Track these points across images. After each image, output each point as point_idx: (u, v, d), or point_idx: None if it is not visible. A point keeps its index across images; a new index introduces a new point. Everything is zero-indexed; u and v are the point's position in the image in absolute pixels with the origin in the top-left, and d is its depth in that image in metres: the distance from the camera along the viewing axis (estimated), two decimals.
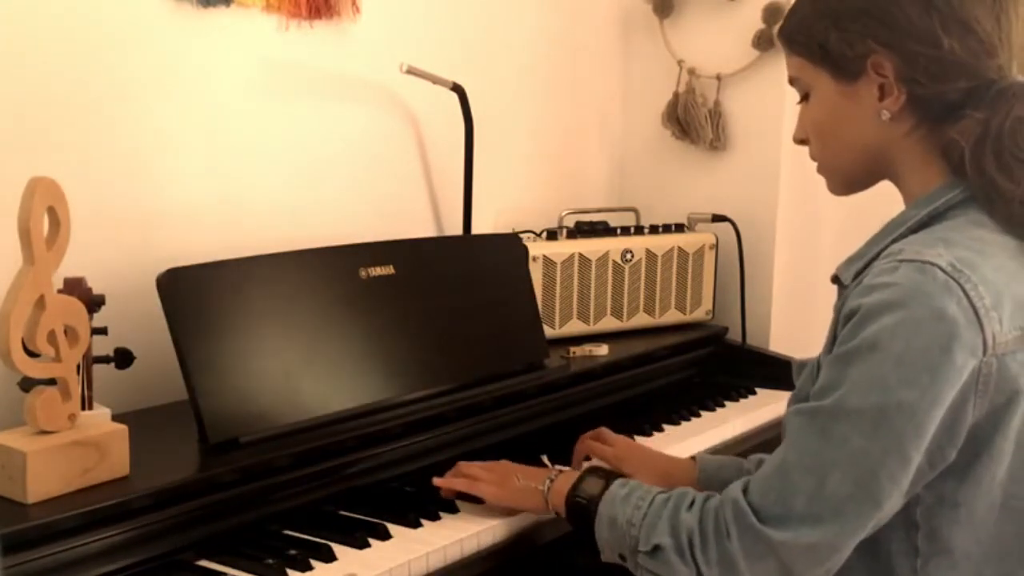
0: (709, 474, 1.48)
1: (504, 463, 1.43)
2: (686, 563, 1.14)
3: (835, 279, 1.22)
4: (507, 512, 1.38)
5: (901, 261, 1.07)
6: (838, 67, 1.17)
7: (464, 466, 1.43)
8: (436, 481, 1.41)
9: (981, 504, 1.10)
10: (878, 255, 1.14)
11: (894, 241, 1.15)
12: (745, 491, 1.13)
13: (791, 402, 1.25)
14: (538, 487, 1.34)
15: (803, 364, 1.25)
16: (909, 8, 1.12)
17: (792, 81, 1.25)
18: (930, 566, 1.12)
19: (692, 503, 1.17)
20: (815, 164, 1.27)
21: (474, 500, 1.40)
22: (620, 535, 1.20)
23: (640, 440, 1.72)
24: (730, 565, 1.11)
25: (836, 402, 1.07)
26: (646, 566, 1.18)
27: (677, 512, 1.17)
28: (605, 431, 1.61)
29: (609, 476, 1.28)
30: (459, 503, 1.40)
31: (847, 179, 1.24)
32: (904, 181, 1.20)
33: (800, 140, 1.27)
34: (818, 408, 1.09)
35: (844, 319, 1.11)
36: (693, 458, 1.51)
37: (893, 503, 1.07)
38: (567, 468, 1.37)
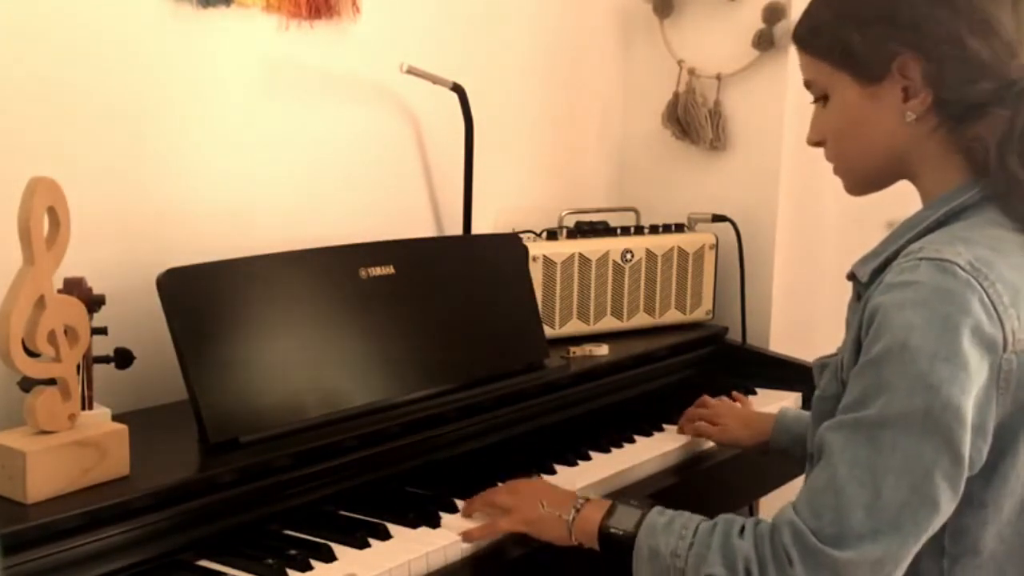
0: (785, 424, 1.53)
1: (531, 484, 1.38)
2: None
3: (851, 276, 1.22)
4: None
5: (921, 259, 1.08)
6: (861, 69, 1.18)
7: (490, 494, 1.37)
8: (463, 536, 1.31)
9: (1007, 503, 1.11)
10: (896, 254, 1.14)
11: (911, 240, 1.15)
12: (797, 513, 1.10)
13: (815, 404, 1.24)
14: (562, 516, 1.28)
15: (824, 364, 1.24)
16: (935, 11, 1.13)
17: (808, 84, 1.25)
18: (957, 567, 1.12)
19: (743, 529, 1.14)
20: (831, 165, 1.27)
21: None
22: (663, 567, 1.16)
23: (640, 440, 1.73)
24: None
25: (880, 410, 1.06)
26: None
27: (728, 539, 1.13)
28: (706, 398, 1.77)
29: (644, 505, 1.24)
30: (459, 502, 1.40)
31: (866, 180, 1.25)
32: (922, 181, 1.21)
33: (815, 142, 1.27)
34: (861, 419, 1.08)
35: (867, 320, 1.10)
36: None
37: (948, 505, 1.06)
38: (595, 497, 1.32)
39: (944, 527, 1.10)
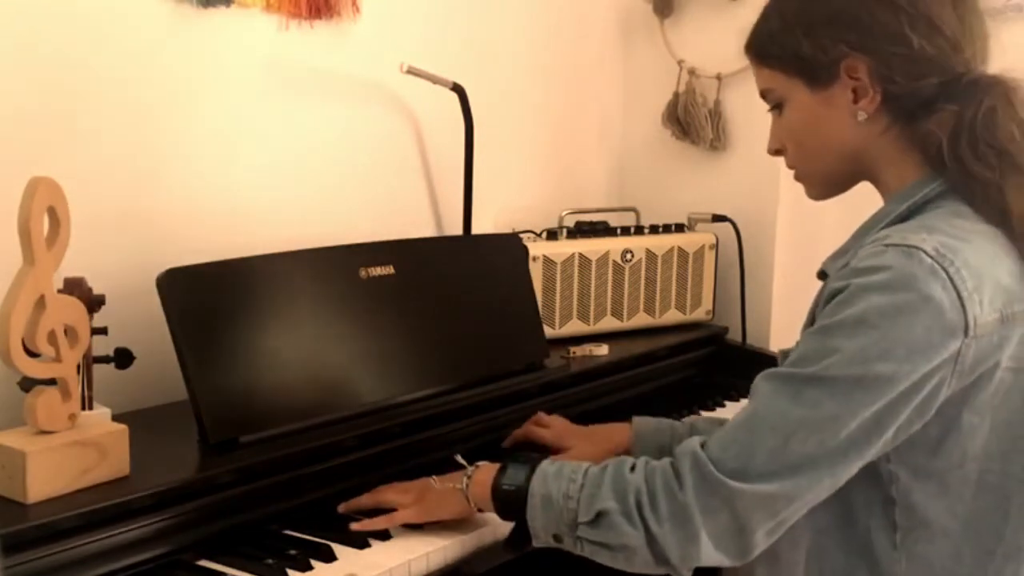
0: (643, 436, 1.52)
1: (422, 479, 1.38)
2: (634, 524, 1.13)
3: (822, 274, 1.24)
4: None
5: (888, 246, 1.10)
6: (812, 74, 1.20)
7: (380, 494, 1.36)
8: (354, 526, 1.31)
9: (953, 477, 1.12)
10: (863, 247, 1.16)
11: (878, 233, 1.17)
12: (703, 446, 1.14)
13: None
14: (456, 487, 1.31)
15: (786, 352, 1.26)
16: (876, 11, 1.16)
17: (764, 93, 1.28)
18: (909, 540, 1.14)
19: (634, 466, 1.18)
20: (792, 172, 1.30)
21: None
22: (556, 512, 1.19)
23: None
24: (683, 518, 1.11)
25: (815, 370, 1.09)
26: (588, 537, 1.17)
27: (620, 475, 1.17)
28: (542, 415, 1.65)
29: (533, 459, 1.26)
30: None
31: (826, 182, 1.28)
32: (881, 179, 1.23)
33: (775, 151, 1.30)
34: (795, 374, 1.11)
35: (827, 298, 1.13)
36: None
37: (852, 468, 1.10)
38: (485, 463, 1.33)
39: (894, 501, 1.14)
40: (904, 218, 1.17)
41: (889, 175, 1.21)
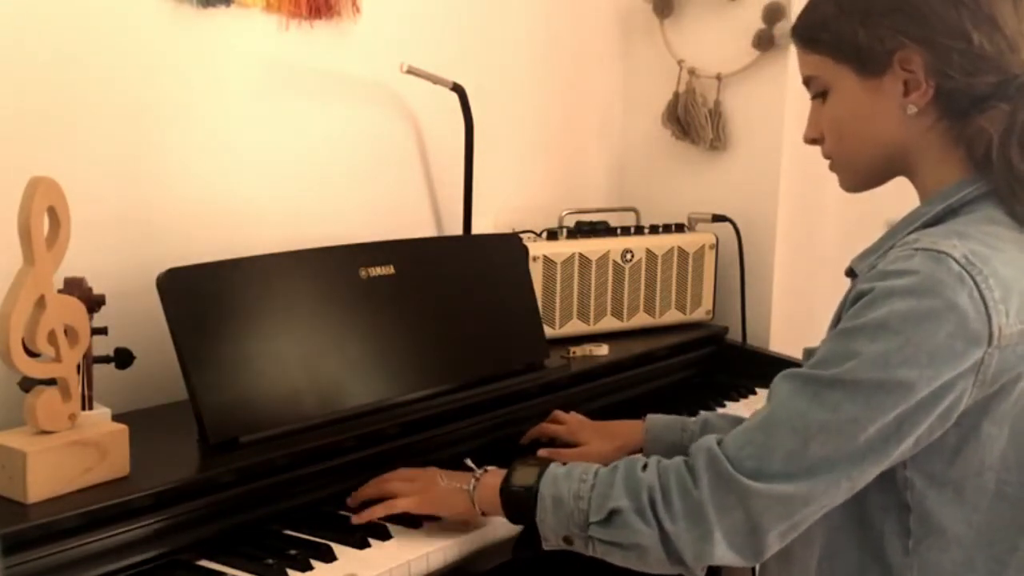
0: (655, 434, 1.52)
1: (430, 469, 1.39)
2: (647, 522, 1.13)
3: (850, 272, 1.23)
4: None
5: (917, 250, 1.09)
6: (864, 63, 1.18)
7: (384, 481, 1.37)
8: (354, 519, 1.32)
9: (969, 485, 1.12)
10: (893, 247, 1.15)
11: (909, 235, 1.16)
12: (719, 443, 1.14)
13: None
14: (463, 487, 1.30)
15: (811, 351, 1.25)
16: (938, 5, 1.14)
17: (808, 80, 1.26)
18: (922, 547, 1.13)
19: (646, 465, 1.17)
20: (827, 161, 1.28)
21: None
22: (567, 513, 1.18)
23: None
24: (698, 516, 1.11)
25: (836, 374, 1.09)
26: (600, 537, 1.16)
27: (632, 474, 1.16)
28: (559, 412, 1.66)
29: (542, 462, 1.26)
30: None
31: (864, 175, 1.25)
32: (920, 177, 1.21)
33: (812, 139, 1.28)
34: (815, 376, 1.11)
35: (853, 300, 1.12)
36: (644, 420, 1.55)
37: (869, 473, 1.09)
38: (493, 468, 1.34)
39: (909, 508, 1.13)
40: (938, 219, 1.16)
41: (928, 173, 1.20)
